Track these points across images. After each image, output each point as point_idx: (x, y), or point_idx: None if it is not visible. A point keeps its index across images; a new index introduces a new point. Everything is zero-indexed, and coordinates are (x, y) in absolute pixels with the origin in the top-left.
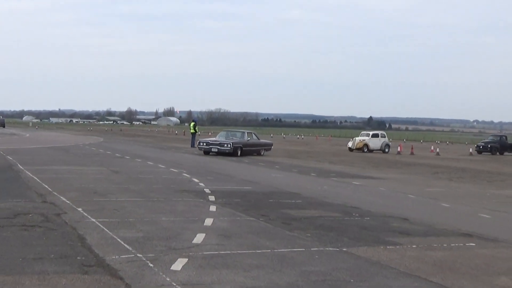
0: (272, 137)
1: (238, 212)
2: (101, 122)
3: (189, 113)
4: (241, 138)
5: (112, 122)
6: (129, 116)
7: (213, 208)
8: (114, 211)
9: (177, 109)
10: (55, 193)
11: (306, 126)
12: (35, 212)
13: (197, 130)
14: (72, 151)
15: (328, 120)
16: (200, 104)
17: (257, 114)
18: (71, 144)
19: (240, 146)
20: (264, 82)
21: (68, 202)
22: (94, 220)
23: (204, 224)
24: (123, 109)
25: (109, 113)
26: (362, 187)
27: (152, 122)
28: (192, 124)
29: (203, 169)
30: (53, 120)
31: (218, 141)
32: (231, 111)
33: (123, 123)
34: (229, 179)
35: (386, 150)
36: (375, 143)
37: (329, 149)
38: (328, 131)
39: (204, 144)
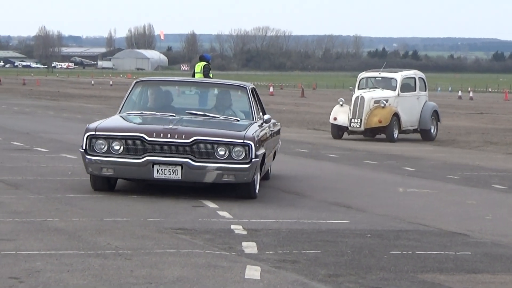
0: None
1: (313, 282)
2: None
3: (191, 39)
4: (248, 118)
5: (2, 63)
6: (45, 49)
7: (253, 272)
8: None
9: (161, 31)
10: None
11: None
12: None
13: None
14: None
15: None
16: (218, 20)
17: (357, 40)
18: None
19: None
20: None
21: None
22: None
23: None
24: (30, 32)
25: None
26: None
27: (100, 63)
28: (200, 65)
29: None
30: None
31: (176, 130)
32: (295, 33)
33: (29, 66)
34: (293, 199)
35: (432, 128)
36: (411, 109)
37: None
38: None
39: (116, 147)
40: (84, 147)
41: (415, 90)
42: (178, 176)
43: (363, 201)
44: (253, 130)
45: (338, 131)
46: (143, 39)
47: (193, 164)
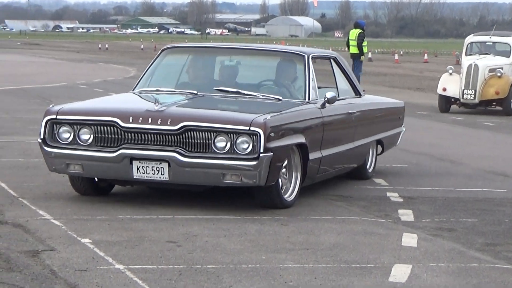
0: None
1: (471, 251)
2: (128, 31)
3: (345, 6)
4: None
5: (157, 30)
6: (199, 15)
7: (409, 239)
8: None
9: None
10: (25, 201)
11: None
12: None
13: (365, 50)
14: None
15: None
16: None
17: None
18: (59, 83)
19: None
20: None
21: (56, 223)
22: (124, 267)
23: (390, 278)
24: None
25: (148, 9)
26: None
27: (253, 30)
28: (355, 32)
29: None
30: (12, 25)
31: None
32: (449, 0)
33: (183, 33)
34: (448, 168)
35: None
36: None
37: None
38: None
39: (85, 135)
40: (42, 136)
41: None
42: (165, 176)
43: None
44: (281, 113)
45: (446, 103)
46: (296, 5)
47: (181, 160)
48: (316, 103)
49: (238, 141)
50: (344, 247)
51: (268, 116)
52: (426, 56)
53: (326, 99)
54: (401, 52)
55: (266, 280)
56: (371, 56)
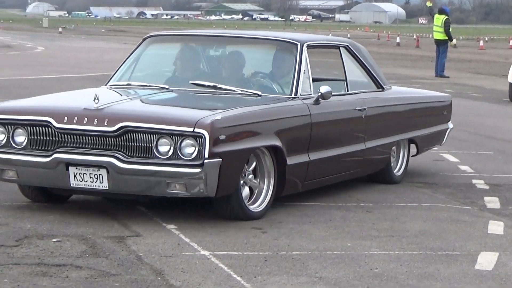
0: None
1: None
2: (212, 18)
3: None
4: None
5: (240, 16)
6: (283, 2)
7: (495, 227)
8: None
9: None
10: None
11: None
12: (67, 234)
13: (452, 38)
14: None
15: None
16: None
17: None
18: None
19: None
20: None
21: (142, 209)
22: (209, 253)
23: (477, 266)
24: None
25: None
26: None
27: (337, 16)
28: (440, 19)
29: (473, 129)
30: (97, 12)
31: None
32: None
33: (267, 19)
34: None
35: None
36: None
37: None
38: None
39: (19, 137)
40: None
41: None
42: (104, 185)
43: None
44: (242, 111)
45: None
46: None
47: (120, 166)
48: (307, 98)
49: (182, 145)
50: (430, 234)
51: (218, 115)
52: (511, 43)
53: (319, 94)
54: (486, 39)
55: (351, 267)
56: (456, 43)
